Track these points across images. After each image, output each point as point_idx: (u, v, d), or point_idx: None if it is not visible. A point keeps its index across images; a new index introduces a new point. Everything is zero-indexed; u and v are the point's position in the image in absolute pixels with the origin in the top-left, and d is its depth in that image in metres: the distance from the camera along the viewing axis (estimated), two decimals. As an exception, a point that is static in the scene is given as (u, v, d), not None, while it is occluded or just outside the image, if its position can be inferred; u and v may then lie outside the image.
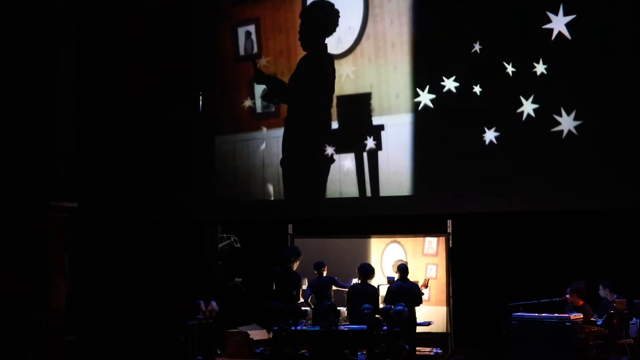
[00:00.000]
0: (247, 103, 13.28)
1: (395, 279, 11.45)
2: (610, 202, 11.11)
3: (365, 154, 12.51)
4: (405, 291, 11.18)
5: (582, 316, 10.13)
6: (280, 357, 11.29)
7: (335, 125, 12.69)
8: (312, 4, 12.93)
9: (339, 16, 12.72)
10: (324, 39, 12.78)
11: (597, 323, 10.22)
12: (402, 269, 11.36)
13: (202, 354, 12.22)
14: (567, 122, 11.28)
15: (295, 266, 11.83)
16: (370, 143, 12.42)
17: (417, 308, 11.29)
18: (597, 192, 11.18)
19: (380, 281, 11.80)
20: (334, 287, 11.81)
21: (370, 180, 12.43)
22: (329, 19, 12.75)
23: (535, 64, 11.36)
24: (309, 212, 12.84)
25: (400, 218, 12.50)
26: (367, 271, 11.55)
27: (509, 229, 12.27)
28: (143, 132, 13.76)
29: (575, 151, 11.27)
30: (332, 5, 12.80)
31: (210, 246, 13.69)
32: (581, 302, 10.56)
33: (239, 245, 13.71)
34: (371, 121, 12.45)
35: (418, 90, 12.09)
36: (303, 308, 11.63)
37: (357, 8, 12.61)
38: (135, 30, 14.01)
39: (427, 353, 11.67)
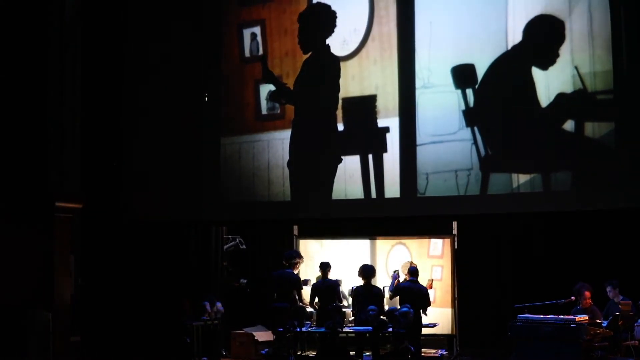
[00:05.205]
0: (252, 104, 13.31)
1: (402, 280, 11.48)
2: (616, 203, 11.10)
3: (370, 156, 12.52)
4: (414, 293, 11.19)
5: (587, 318, 10.11)
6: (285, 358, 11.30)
7: (340, 127, 12.71)
8: (307, 8, 12.97)
9: (336, 16, 12.75)
10: (325, 40, 12.81)
11: (602, 325, 10.21)
12: (412, 271, 11.39)
13: (208, 354, 12.23)
14: (570, 124, 11.34)
15: (297, 268, 11.86)
16: (375, 145, 12.43)
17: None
18: (603, 192, 11.17)
19: (384, 282, 11.82)
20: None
21: (376, 182, 12.44)
22: (327, 20, 12.78)
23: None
24: (315, 213, 12.85)
25: (405, 219, 12.50)
26: (369, 272, 11.57)
27: (515, 231, 12.27)
28: (148, 133, 13.79)
29: (580, 151, 11.29)
30: (329, 7, 12.83)
31: (216, 247, 13.69)
32: (589, 304, 10.54)
33: (244, 246, 13.72)
34: (376, 123, 12.46)
35: (422, 91, 12.12)
36: (308, 309, 11.64)
37: (363, 10, 12.63)
38: (141, 31, 14.04)
39: (432, 355, 11.67)
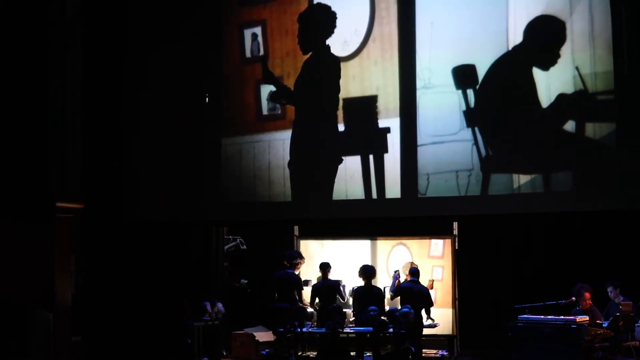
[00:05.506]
0: (253, 105, 13.31)
1: (403, 280, 11.48)
2: (616, 203, 11.11)
3: (371, 156, 12.52)
4: (415, 293, 11.19)
5: (588, 319, 10.12)
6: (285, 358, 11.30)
7: (341, 127, 12.71)
8: (308, 8, 12.98)
9: (336, 17, 12.75)
10: (325, 41, 12.81)
11: (603, 325, 10.21)
12: (413, 271, 11.40)
13: (208, 355, 12.23)
14: (570, 125, 11.35)
15: (299, 268, 11.87)
16: (376, 145, 12.43)
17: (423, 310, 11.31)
18: (603, 192, 11.17)
19: (384, 282, 11.82)
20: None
21: (376, 182, 12.44)
22: (327, 20, 12.79)
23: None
24: (315, 213, 12.85)
25: (406, 220, 12.50)
26: (370, 272, 11.58)
27: (515, 231, 12.27)
28: (149, 133, 13.79)
29: (581, 152, 11.29)
30: (329, 7, 12.84)
31: (217, 247, 13.69)
32: (589, 305, 10.54)
33: (245, 246, 13.72)
34: (377, 123, 12.46)
35: (423, 91, 12.12)
36: (308, 309, 11.64)
37: (364, 10, 12.63)
38: (142, 31, 14.04)
39: (433, 355, 11.67)
